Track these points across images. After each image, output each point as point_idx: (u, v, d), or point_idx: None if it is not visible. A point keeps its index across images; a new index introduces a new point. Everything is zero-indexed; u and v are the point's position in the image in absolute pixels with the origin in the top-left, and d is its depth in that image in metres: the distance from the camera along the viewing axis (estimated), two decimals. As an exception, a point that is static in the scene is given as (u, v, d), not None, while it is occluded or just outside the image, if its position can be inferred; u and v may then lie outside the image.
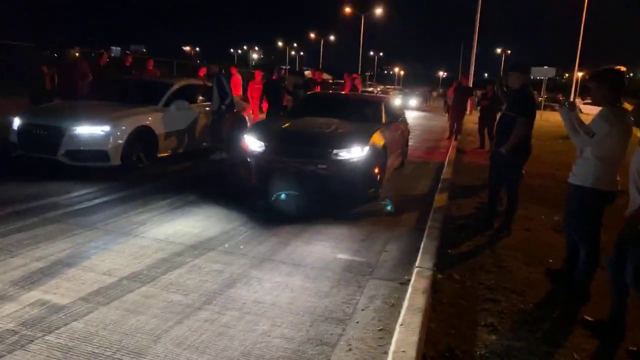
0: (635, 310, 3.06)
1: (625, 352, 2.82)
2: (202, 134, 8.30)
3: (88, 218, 4.67)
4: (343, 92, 12.62)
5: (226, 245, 4.18)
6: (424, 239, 4.30)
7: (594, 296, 3.38)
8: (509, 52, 67.92)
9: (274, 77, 9.90)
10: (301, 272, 3.70)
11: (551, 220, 5.36)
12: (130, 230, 4.42)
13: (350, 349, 2.69)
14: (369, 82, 45.70)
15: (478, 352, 2.70)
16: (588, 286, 3.44)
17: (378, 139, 6.07)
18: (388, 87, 40.78)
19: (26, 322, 2.74)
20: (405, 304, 3.04)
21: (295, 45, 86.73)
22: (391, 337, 2.75)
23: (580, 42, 34.86)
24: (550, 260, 4.14)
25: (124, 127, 6.57)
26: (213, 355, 2.54)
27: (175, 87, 7.94)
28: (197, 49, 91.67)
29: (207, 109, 8.47)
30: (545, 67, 23.78)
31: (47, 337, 2.60)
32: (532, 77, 4.96)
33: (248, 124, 9.20)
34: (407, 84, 65.22)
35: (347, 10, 41.64)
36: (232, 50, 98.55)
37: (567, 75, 76.15)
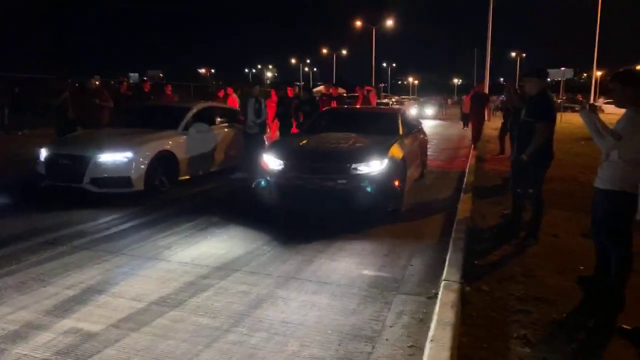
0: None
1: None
2: (222, 156, 8.42)
3: (115, 244, 4.76)
4: (358, 106, 12.69)
5: (253, 264, 4.20)
6: (449, 251, 4.25)
7: (630, 303, 3.27)
8: (524, 55, 67.29)
9: (289, 95, 10.00)
10: (327, 290, 3.69)
11: (579, 225, 5.24)
12: (156, 254, 4.48)
13: (381, 367, 2.66)
14: (383, 94, 45.80)
15: (512, 366, 2.64)
16: (623, 293, 3.34)
17: (396, 151, 6.06)
18: (403, 97, 40.82)
19: (61, 351, 2.79)
20: (435, 318, 3.00)
21: (308, 61, 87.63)
22: (422, 354, 2.71)
23: (596, 41, 34.35)
24: (581, 267, 4.03)
25: (145, 153, 6.71)
26: (244, 378, 2.54)
27: (194, 110, 8.09)
28: (213, 70, 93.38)
29: (226, 130, 8.61)
30: (563, 68, 23.46)
31: (81, 365, 2.65)
32: (549, 80, 4.87)
33: (266, 143, 9.30)
34: (422, 94, 65.09)
35: (358, 23, 41.94)
36: (246, 70, 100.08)
37: (585, 75, 74.93)
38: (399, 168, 5.97)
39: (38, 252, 4.48)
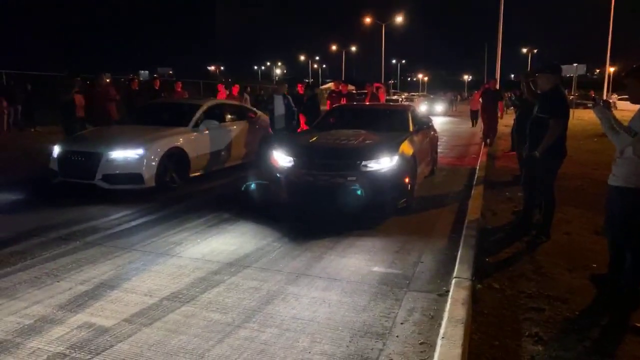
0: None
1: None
2: (233, 152, 8.45)
3: (127, 240, 4.81)
4: (368, 103, 12.65)
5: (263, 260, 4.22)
6: (460, 248, 4.23)
7: (644, 301, 3.24)
8: (535, 51, 66.57)
9: (300, 92, 10.00)
10: (337, 287, 3.70)
11: (592, 223, 5.19)
12: (168, 250, 4.52)
13: (391, 364, 2.66)
14: (393, 90, 45.58)
15: (524, 364, 2.62)
16: (637, 290, 3.30)
17: (407, 147, 6.04)
18: (413, 94, 40.58)
19: (75, 345, 2.83)
20: (446, 316, 2.99)
21: (317, 58, 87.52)
22: (433, 351, 2.71)
23: (610, 36, 33.83)
24: (594, 265, 4.00)
25: (156, 150, 6.76)
26: (255, 374, 2.55)
27: (204, 107, 8.13)
28: (222, 67, 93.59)
29: (237, 126, 8.65)
30: (575, 64, 23.16)
31: (95, 359, 2.68)
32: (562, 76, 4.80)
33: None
34: (431, 90, 64.71)
35: (367, 20, 41.78)
36: (255, 67, 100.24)
37: (598, 71, 73.90)
38: (409, 165, 5.95)
39: (51, 247, 4.54)
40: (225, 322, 3.12)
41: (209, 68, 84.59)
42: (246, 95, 16.47)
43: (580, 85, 34.91)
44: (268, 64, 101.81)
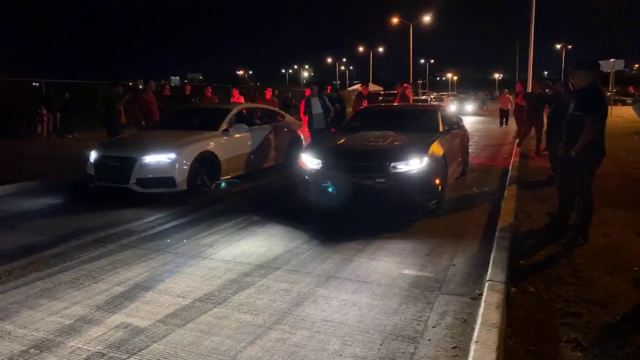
0: None
1: None
2: (262, 156, 8.54)
3: (160, 242, 4.92)
4: (395, 104, 12.55)
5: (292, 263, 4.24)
6: (494, 251, 4.14)
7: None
8: (570, 47, 64.52)
9: (328, 93, 10.01)
10: (367, 289, 3.68)
11: (633, 224, 4.98)
12: (200, 252, 4.60)
13: (424, 368, 2.63)
14: (422, 90, 45.07)
15: (562, 371, 2.54)
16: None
17: (436, 148, 5.96)
18: (442, 93, 40.04)
19: (112, 345, 2.91)
20: (479, 320, 2.93)
21: (344, 60, 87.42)
22: (466, 356, 2.66)
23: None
24: (636, 268, 3.84)
25: (188, 154, 6.89)
26: (287, 376, 2.57)
27: (234, 111, 8.25)
28: (250, 71, 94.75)
29: (266, 130, 8.74)
30: (612, 59, 22.36)
31: (131, 359, 2.75)
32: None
33: (303, 143, 9.36)
34: (461, 90, 63.65)
35: (395, 20, 41.45)
36: (283, 70, 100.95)
37: (636, 66, 71.03)
38: (439, 166, 5.86)
39: (89, 250, 4.69)
40: (256, 324, 3.15)
41: (238, 72, 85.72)
42: (275, 99, 16.64)
43: (618, 82, 33.65)
44: (295, 67, 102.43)
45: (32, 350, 2.86)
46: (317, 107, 8.81)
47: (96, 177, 7.01)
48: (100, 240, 5.00)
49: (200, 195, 6.94)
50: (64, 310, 3.38)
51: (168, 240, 4.97)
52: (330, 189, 5.58)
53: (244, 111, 8.66)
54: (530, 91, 12.51)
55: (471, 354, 2.58)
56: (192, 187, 6.89)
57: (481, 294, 3.36)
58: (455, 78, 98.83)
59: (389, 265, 4.20)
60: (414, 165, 5.51)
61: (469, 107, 32.00)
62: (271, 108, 10.53)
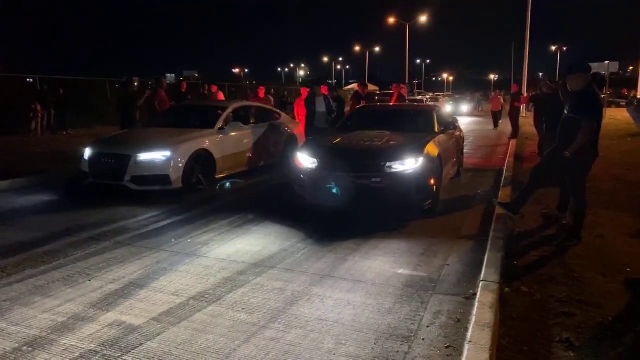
0: None
1: None
2: (258, 154, 8.52)
3: (155, 240, 4.90)
4: (392, 104, 12.56)
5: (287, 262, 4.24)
6: (488, 251, 4.16)
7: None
8: (565, 48, 64.79)
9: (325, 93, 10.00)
10: (362, 289, 3.68)
11: (625, 225, 5.02)
12: (195, 250, 4.59)
13: (417, 367, 2.64)
14: (417, 90, 45.15)
15: (555, 370, 2.56)
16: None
17: (432, 148, 5.97)
18: (438, 94, 40.15)
19: (106, 343, 2.90)
20: (473, 319, 2.94)
21: (340, 59, 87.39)
22: (459, 355, 2.67)
23: (643, 33, 32.66)
24: (628, 269, 3.87)
25: (183, 152, 6.87)
26: (281, 374, 2.57)
27: (230, 109, 8.23)
28: (246, 70, 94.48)
29: (262, 128, 8.72)
30: (607, 61, 22.50)
31: (125, 357, 2.74)
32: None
33: (299, 142, 9.36)
34: (456, 90, 63.79)
35: (391, 20, 41.49)
36: (279, 69, 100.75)
37: (631, 68, 71.40)
38: (434, 166, 5.88)
39: (83, 247, 4.67)
40: (250, 323, 3.15)
41: (234, 71, 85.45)
42: (270, 97, 16.61)
43: (613, 84, 33.85)
44: (292, 65, 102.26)
45: (25, 347, 2.85)
46: (321, 106, 8.92)
47: (90, 174, 6.98)
48: (94, 237, 4.98)
49: (196, 194, 6.93)
50: (57, 308, 3.37)
51: (163, 238, 4.95)
52: (334, 190, 5.56)
53: (240, 109, 8.64)
54: (535, 93, 11.87)
55: (465, 353, 2.60)
56: (187, 185, 6.87)
57: (475, 294, 3.38)
58: (451, 78, 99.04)
59: (383, 264, 4.21)
60: (409, 165, 5.52)
61: (465, 107, 32.11)
62: (267, 107, 10.51)
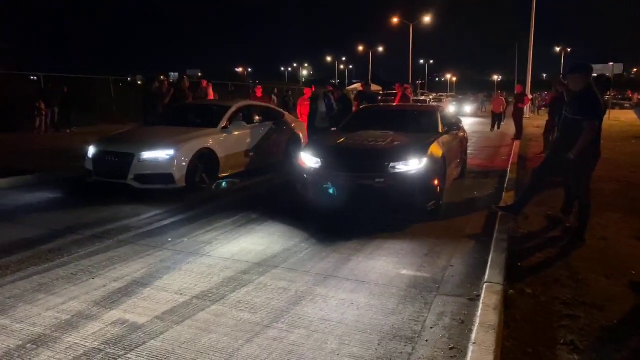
0: None
1: None
2: (261, 153, 8.52)
3: (158, 239, 4.91)
4: (395, 104, 12.54)
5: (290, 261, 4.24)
6: (492, 252, 4.15)
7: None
8: (569, 50, 64.55)
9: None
10: (365, 289, 3.68)
11: (630, 227, 5.00)
12: (198, 249, 4.59)
13: (421, 369, 2.63)
14: (421, 91, 45.09)
15: (559, 373, 2.55)
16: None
17: (436, 149, 5.96)
18: (441, 94, 40.10)
19: (109, 341, 2.90)
20: (477, 321, 2.93)
21: (344, 59, 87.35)
22: (463, 357, 2.66)
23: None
24: (633, 272, 3.85)
25: (187, 151, 6.88)
26: (284, 374, 2.56)
27: (233, 109, 8.23)
28: (249, 69, 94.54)
29: (265, 128, 8.73)
30: (611, 63, 22.43)
31: (128, 355, 2.75)
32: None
33: (302, 141, 9.35)
34: (460, 91, 63.69)
35: (395, 20, 41.43)
36: (282, 68, 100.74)
37: (635, 70, 71.21)
38: (438, 167, 5.86)
39: (86, 245, 4.68)
40: (254, 322, 3.14)
41: (237, 70, 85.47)
42: (273, 97, 16.64)
43: (617, 85, 33.75)
44: (295, 65, 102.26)
45: (29, 345, 2.85)
46: (322, 106, 8.86)
47: (94, 172, 6.99)
48: (97, 235, 4.98)
49: (199, 192, 6.93)
50: (61, 306, 3.37)
51: (166, 237, 4.96)
52: (330, 190, 5.58)
53: (244, 109, 8.65)
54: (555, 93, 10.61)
55: (469, 355, 2.59)
56: (191, 184, 6.88)
57: (479, 296, 3.37)
58: (454, 79, 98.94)
59: (387, 265, 4.20)
60: (413, 165, 5.51)
61: (468, 108, 32.05)
62: (271, 106, 10.53)
